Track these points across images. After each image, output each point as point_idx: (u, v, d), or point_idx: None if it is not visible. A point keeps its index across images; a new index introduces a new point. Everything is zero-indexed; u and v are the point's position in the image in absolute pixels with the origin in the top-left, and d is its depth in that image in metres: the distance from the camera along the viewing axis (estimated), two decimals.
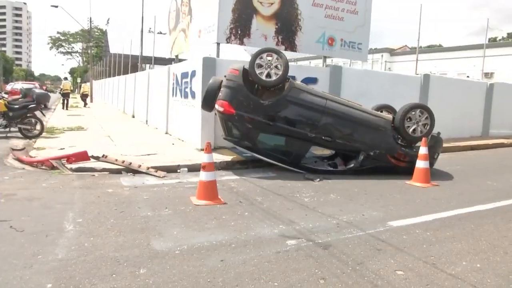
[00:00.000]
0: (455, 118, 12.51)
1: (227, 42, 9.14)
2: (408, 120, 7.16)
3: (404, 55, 44.55)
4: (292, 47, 9.90)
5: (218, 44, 9.05)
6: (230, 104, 6.73)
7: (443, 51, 41.26)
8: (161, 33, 24.44)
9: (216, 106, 6.98)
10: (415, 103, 7.47)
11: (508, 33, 52.97)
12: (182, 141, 10.01)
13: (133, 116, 17.34)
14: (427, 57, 38.30)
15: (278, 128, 6.82)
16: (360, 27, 10.80)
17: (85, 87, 26.69)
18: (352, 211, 4.89)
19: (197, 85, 8.83)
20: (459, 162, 9.09)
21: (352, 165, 7.10)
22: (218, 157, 7.59)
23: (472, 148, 11.63)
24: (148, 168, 6.73)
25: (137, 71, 20.46)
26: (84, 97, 25.82)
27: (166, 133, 11.60)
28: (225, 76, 7.03)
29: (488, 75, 32.76)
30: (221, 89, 7.05)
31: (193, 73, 9.18)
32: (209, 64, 8.54)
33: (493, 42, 47.12)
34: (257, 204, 5.05)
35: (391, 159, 7.10)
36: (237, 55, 22.56)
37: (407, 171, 6.93)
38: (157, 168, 6.81)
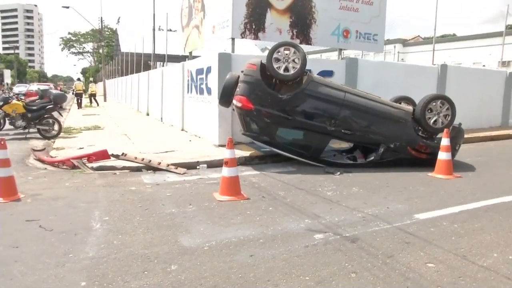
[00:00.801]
0: (473, 108, 12.28)
1: (242, 37, 9.11)
2: (429, 111, 7.05)
3: (418, 45, 43.86)
4: (307, 40, 9.83)
5: (233, 39, 9.02)
6: (248, 99, 6.71)
7: (457, 41, 40.46)
8: (171, 30, 24.48)
9: (234, 101, 6.97)
10: (436, 94, 7.35)
11: None
12: (199, 137, 10.04)
13: (148, 114, 17.46)
14: (441, 47, 37.56)
15: (296, 122, 6.79)
16: (375, 17, 10.65)
17: (93, 87, 27.13)
18: (376, 204, 4.84)
19: (213, 81, 8.83)
20: (479, 153, 8.93)
21: (372, 158, 7.03)
22: (237, 153, 7.53)
23: (492, 138, 11.42)
24: (168, 165, 6.76)
25: (150, 69, 20.57)
26: (92, 96, 26.26)
27: (182, 130, 11.64)
28: (242, 71, 7.01)
29: (505, 63, 32.07)
30: (239, 84, 7.03)
31: (209, 69, 9.18)
32: (225, 60, 8.52)
33: (510, 29, 46.01)
34: (280, 199, 5.04)
35: (411, 151, 7.01)
36: (248, 51, 22.49)
37: (428, 163, 6.84)
38: (177, 165, 6.84)
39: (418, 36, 53.78)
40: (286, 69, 6.77)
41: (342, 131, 6.88)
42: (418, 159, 7.06)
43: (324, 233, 3.84)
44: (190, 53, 12.54)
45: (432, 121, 7.07)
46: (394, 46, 43.47)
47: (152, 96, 16.77)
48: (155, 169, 6.73)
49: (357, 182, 5.98)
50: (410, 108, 7.38)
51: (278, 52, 6.75)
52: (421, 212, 4.53)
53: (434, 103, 7.06)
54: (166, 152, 8.06)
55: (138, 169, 6.75)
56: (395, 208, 4.70)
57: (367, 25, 10.58)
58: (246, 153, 7.71)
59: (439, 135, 7.22)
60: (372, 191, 5.51)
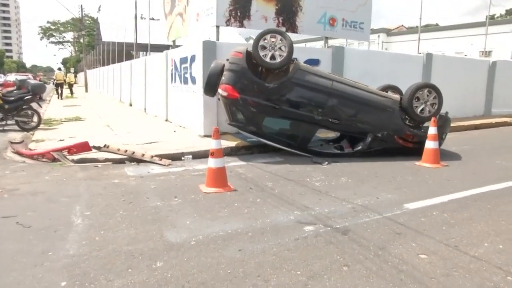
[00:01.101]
0: (458, 97, 12.36)
1: (227, 25, 8.90)
2: (416, 100, 7.02)
3: (401, 35, 44.13)
4: (293, 28, 9.67)
5: (217, 27, 8.80)
6: (234, 88, 6.55)
7: (440, 30, 40.82)
8: (153, 19, 24.00)
9: (219, 90, 6.80)
10: (423, 82, 7.32)
11: (506, 10, 52.37)
12: (184, 128, 9.84)
13: (131, 105, 17.10)
14: (425, 37, 37.80)
15: (283, 111, 6.66)
16: (362, 6, 10.55)
17: (71, 77, 26.78)
18: (366, 194, 4.78)
19: (198, 70, 8.61)
20: (464, 142, 8.99)
21: (359, 147, 6.98)
22: (223, 143, 7.35)
23: (476, 127, 11.54)
24: (152, 157, 6.57)
25: (132, 59, 20.11)
26: (70, 86, 25.84)
27: (166, 120, 11.41)
28: (227, 60, 6.83)
29: (486, 53, 32.49)
30: (224, 73, 6.86)
31: (193, 58, 8.96)
32: (209, 48, 8.31)
33: (491, 20, 46.68)
34: (268, 190, 4.93)
35: (399, 140, 6.98)
36: (232, 40, 22.16)
37: (415, 152, 6.83)
38: (161, 156, 6.66)
39: (402, 26, 54.04)
40: (273, 57, 6.63)
41: (330, 120, 6.80)
42: (405, 148, 7.04)
43: (314, 225, 3.75)
44: (174, 41, 12.25)
45: (419, 109, 7.04)
46: (378, 36, 43.66)
47: (135, 86, 16.40)
48: (138, 161, 6.54)
49: (345, 172, 5.91)
50: (397, 96, 7.34)
51: (265, 39, 6.59)
52: (411, 202, 4.48)
53: (421, 92, 7.02)
54: (150, 143, 7.86)
55: (121, 161, 6.54)
56: (384, 198, 4.64)
57: (354, 13, 10.47)
58: (232, 144, 7.56)
59: (426, 124, 7.23)
60: (361, 181, 5.45)
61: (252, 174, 5.82)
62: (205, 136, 8.41)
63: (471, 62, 14.15)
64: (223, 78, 6.83)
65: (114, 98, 22.43)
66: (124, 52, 24.22)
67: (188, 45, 9.77)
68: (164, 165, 6.36)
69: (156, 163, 6.43)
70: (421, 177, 5.73)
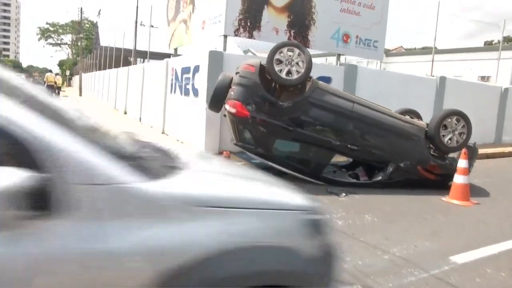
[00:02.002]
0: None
1: (235, 35, 8.28)
2: (443, 128, 6.37)
3: (400, 56, 43.98)
4: (305, 42, 9.06)
5: (225, 37, 8.18)
6: (243, 105, 5.85)
7: (439, 53, 40.75)
8: (153, 26, 23.43)
9: (227, 107, 6.10)
10: (451, 109, 6.68)
11: (504, 37, 52.81)
12: (182, 142, 9.11)
13: (125, 113, 16.32)
14: (423, 59, 37.72)
15: (298, 134, 5.97)
16: (377, 24, 10.03)
17: (58, 79, 26.13)
18: (399, 239, 4.06)
19: (201, 82, 7.93)
20: (484, 173, 8.33)
21: (379, 178, 6.28)
22: None
23: (488, 156, 10.93)
24: None
25: (130, 65, 19.42)
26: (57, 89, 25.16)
27: (163, 132, 10.67)
28: (237, 73, 6.15)
29: (484, 78, 32.31)
30: (232, 87, 6.17)
31: (197, 69, 8.28)
32: (216, 59, 7.65)
33: (490, 46, 47.02)
34: None
35: (422, 171, 6.30)
36: (231, 51, 21.65)
37: (437, 185, 6.19)
38: None
39: (401, 46, 54.18)
40: (289, 73, 5.96)
41: (349, 146, 6.11)
42: (426, 180, 6.38)
43: (350, 285, 3.02)
44: (175, 49, 11.59)
45: (446, 139, 6.39)
46: None
47: (131, 93, 15.65)
48: None
49: (367, 208, 5.20)
50: (423, 123, 6.67)
51: (281, 52, 5.93)
52: (456, 253, 3.76)
53: (449, 119, 6.38)
54: None
55: None
56: (423, 246, 3.93)
57: (368, 30, 9.93)
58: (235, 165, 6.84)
59: (450, 154, 6.60)
60: (388, 220, 4.74)
61: None
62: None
63: (483, 87, 13.72)
64: (231, 93, 6.14)
65: (108, 104, 21.63)
66: (122, 57, 23.54)
67: (192, 55, 9.11)
68: None
69: None
70: (454, 217, 5.04)
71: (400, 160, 6.23)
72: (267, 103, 5.89)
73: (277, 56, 5.91)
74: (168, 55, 12.01)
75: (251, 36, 8.45)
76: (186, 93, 8.93)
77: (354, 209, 5.09)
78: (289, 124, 5.93)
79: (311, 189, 5.88)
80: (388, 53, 46.38)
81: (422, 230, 4.44)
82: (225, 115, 6.84)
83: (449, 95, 11.45)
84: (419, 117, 7.63)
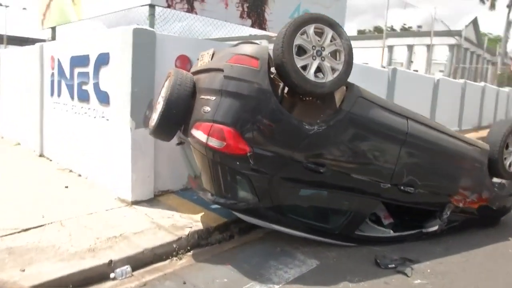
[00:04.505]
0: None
1: (168, 6, 5.16)
2: (505, 147, 4.48)
3: None
4: (261, 22, 6.42)
5: (152, 7, 5.01)
6: (240, 134, 3.03)
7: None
8: (8, 6, 17.75)
9: (199, 135, 3.18)
10: None
11: (375, 27, 57.19)
12: (79, 175, 5.74)
13: None
14: None
15: (332, 177, 3.39)
16: (336, 1, 7.93)
17: None
18: None
19: (117, 81, 4.71)
20: None
21: (435, 228, 4.08)
22: (165, 215, 3.93)
23: None
24: None
25: None
26: None
27: (41, 155, 6.96)
28: (220, 70, 3.21)
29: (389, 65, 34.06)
30: (204, 97, 3.28)
31: (103, 59, 4.97)
32: (146, 43, 4.47)
33: (361, 35, 50.48)
34: None
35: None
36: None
37: (489, 222, 4.43)
38: (57, 282, 2.76)
39: None
40: (318, 71, 3.29)
41: (402, 188, 3.75)
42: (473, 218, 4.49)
43: None
44: (53, 29, 7.68)
45: (508, 162, 4.51)
46: None
47: None
48: None
49: None
50: (485, 144, 4.59)
51: (303, 33, 3.21)
52: None
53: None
54: (25, 231, 3.72)
55: None
56: None
57: (328, 9, 7.75)
58: (192, 219, 3.98)
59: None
60: None
61: None
62: (135, 202, 4.60)
63: (423, 78, 13.14)
64: (204, 108, 3.23)
65: None
66: None
67: (91, 37, 5.62)
68: None
69: None
70: None
71: (462, 199, 4.15)
72: (283, 127, 3.16)
73: (298, 41, 3.17)
74: (38, 40, 8.00)
75: (191, 9, 5.41)
76: (83, 97, 5.54)
77: None
78: (320, 162, 3.30)
79: (344, 261, 3.45)
80: None
81: None
82: (179, 143, 3.91)
83: (399, 88, 10.18)
84: None
